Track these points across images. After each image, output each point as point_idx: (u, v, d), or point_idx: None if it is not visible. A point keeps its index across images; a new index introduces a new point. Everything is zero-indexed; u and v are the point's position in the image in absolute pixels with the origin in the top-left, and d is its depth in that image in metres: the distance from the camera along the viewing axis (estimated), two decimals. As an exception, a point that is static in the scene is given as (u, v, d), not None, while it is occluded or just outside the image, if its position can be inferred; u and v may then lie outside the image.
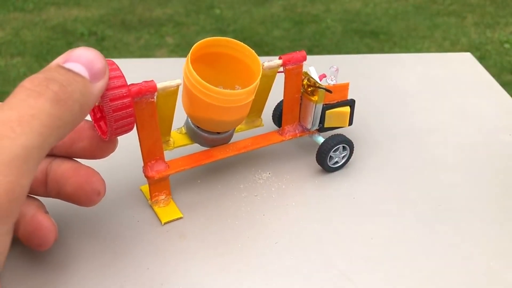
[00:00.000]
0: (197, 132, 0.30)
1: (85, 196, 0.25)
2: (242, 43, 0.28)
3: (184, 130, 0.31)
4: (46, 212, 0.25)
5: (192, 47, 0.27)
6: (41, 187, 0.26)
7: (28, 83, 0.19)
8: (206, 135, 0.29)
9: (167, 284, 0.25)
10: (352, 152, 0.33)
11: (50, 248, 0.27)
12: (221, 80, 0.30)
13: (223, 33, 1.80)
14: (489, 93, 0.42)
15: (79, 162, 0.26)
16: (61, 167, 0.25)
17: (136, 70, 0.36)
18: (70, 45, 1.74)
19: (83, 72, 0.21)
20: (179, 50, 1.74)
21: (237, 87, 0.30)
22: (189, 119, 0.30)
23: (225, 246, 0.28)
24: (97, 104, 0.25)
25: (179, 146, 0.30)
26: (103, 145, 0.26)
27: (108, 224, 0.29)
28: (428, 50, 1.72)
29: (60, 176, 0.25)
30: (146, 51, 1.73)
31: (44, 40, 1.78)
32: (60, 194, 0.26)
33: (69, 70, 0.20)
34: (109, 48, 1.73)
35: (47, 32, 1.83)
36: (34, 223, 0.24)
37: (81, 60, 0.21)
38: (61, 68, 0.20)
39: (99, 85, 0.22)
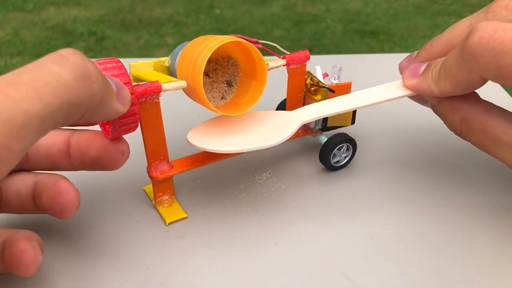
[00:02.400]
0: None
1: (110, 157, 0.25)
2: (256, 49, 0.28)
3: (167, 64, 0.30)
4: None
5: (211, 47, 0.26)
6: (65, 159, 0.26)
7: (65, 51, 0.19)
8: None
9: (167, 284, 0.25)
10: (355, 151, 0.33)
11: (49, 247, 0.27)
12: (227, 52, 0.29)
13: (223, 33, 1.81)
14: (489, 93, 0.42)
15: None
16: (83, 135, 0.26)
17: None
18: (69, 45, 1.75)
19: (113, 86, 0.22)
20: (179, 50, 1.73)
21: (234, 58, 0.29)
22: (176, 62, 0.29)
23: (225, 246, 0.28)
24: None
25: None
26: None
27: (108, 224, 0.29)
28: (428, 50, 1.72)
29: (83, 143, 0.25)
30: (146, 51, 1.74)
31: (43, 40, 1.78)
32: (84, 162, 0.26)
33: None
34: (109, 48, 1.73)
35: (46, 32, 1.83)
36: (55, 188, 0.24)
37: (114, 79, 0.22)
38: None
39: (119, 106, 0.22)
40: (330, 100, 0.30)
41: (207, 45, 0.26)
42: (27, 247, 0.22)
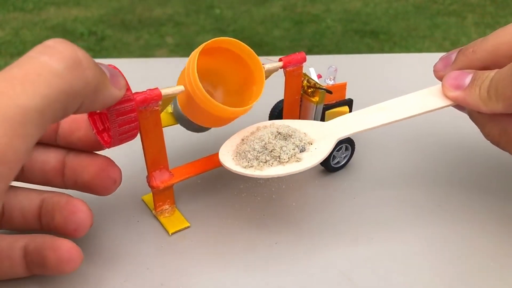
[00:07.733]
0: (186, 119, 0.29)
1: (101, 184, 0.25)
2: (250, 49, 0.28)
3: (170, 110, 0.30)
4: None
5: (201, 45, 0.26)
6: (58, 177, 0.26)
7: (51, 41, 0.18)
8: (194, 124, 0.29)
9: (167, 284, 0.25)
10: (354, 150, 0.33)
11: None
12: (219, 69, 0.29)
13: (223, 33, 1.81)
14: None
15: (96, 153, 0.26)
16: (79, 157, 0.26)
17: (136, 70, 0.36)
18: (70, 45, 1.74)
19: (106, 72, 0.21)
20: (179, 50, 1.74)
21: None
22: (177, 103, 0.29)
23: (225, 246, 0.28)
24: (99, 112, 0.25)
25: (164, 127, 0.29)
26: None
27: (108, 224, 0.29)
28: (428, 50, 1.72)
29: (77, 165, 0.25)
30: (146, 51, 1.73)
31: (43, 40, 1.77)
32: (77, 184, 0.26)
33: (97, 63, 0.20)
34: (109, 48, 1.73)
35: (46, 32, 1.83)
36: (69, 207, 0.24)
37: (105, 65, 0.22)
38: None
39: (115, 91, 0.21)
40: (365, 112, 0.28)
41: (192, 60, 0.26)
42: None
